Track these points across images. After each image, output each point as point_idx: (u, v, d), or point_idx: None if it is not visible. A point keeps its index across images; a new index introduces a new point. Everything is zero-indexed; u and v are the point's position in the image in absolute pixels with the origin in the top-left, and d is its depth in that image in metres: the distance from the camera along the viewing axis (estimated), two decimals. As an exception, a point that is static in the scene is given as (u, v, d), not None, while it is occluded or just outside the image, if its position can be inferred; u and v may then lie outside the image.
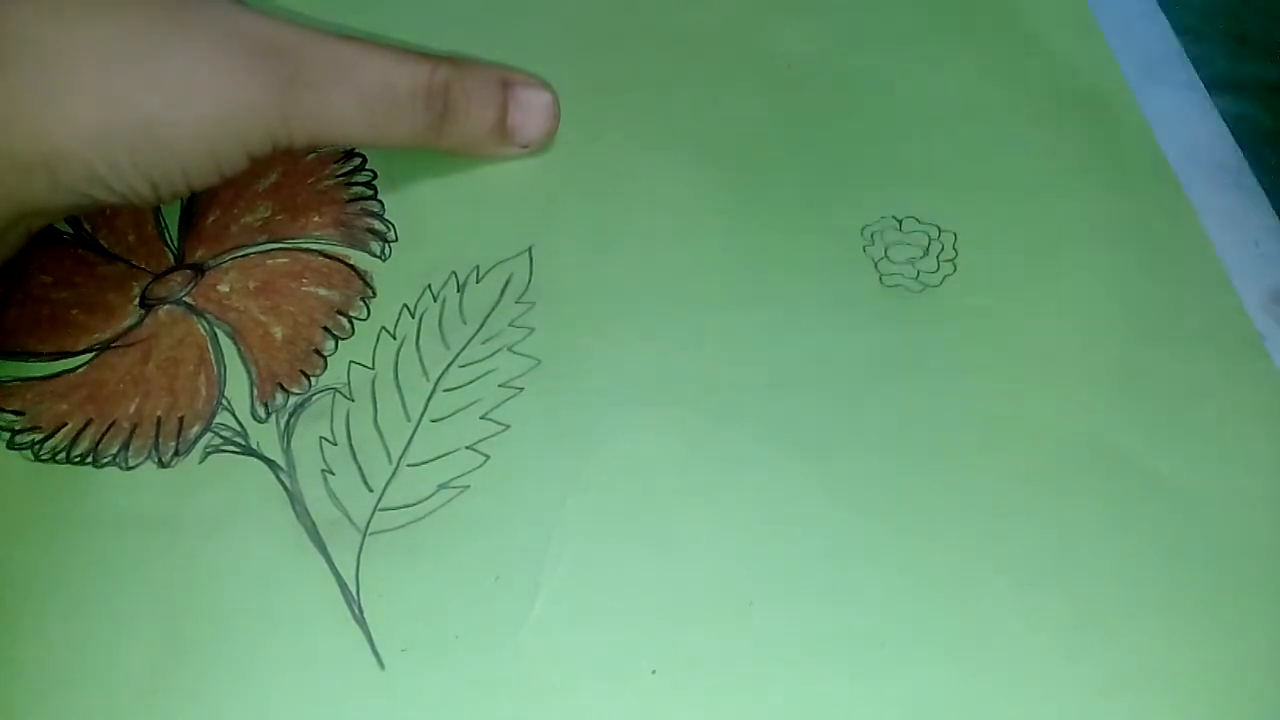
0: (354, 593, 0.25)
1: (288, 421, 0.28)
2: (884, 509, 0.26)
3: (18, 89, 0.23)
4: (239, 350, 0.29)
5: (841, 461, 0.27)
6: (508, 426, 0.28)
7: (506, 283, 0.30)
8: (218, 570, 0.25)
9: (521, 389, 0.28)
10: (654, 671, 0.24)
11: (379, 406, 0.28)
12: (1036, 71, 0.34)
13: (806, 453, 0.27)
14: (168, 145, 0.24)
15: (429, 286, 0.30)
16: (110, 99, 0.24)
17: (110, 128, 0.24)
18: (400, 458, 0.27)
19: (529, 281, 0.30)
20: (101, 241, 0.31)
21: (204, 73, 0.24)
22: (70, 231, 0.31)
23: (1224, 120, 0.34)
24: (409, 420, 0.28)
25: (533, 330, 0.29)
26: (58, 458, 0.27)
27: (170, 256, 0.30)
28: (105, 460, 0.27)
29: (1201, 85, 0.35)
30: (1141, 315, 0.29)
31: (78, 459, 0.27)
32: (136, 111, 0.24)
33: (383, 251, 0.31)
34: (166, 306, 0.30)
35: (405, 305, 0.29)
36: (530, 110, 0.31)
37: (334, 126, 0.27)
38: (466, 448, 0.27)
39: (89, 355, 0.29)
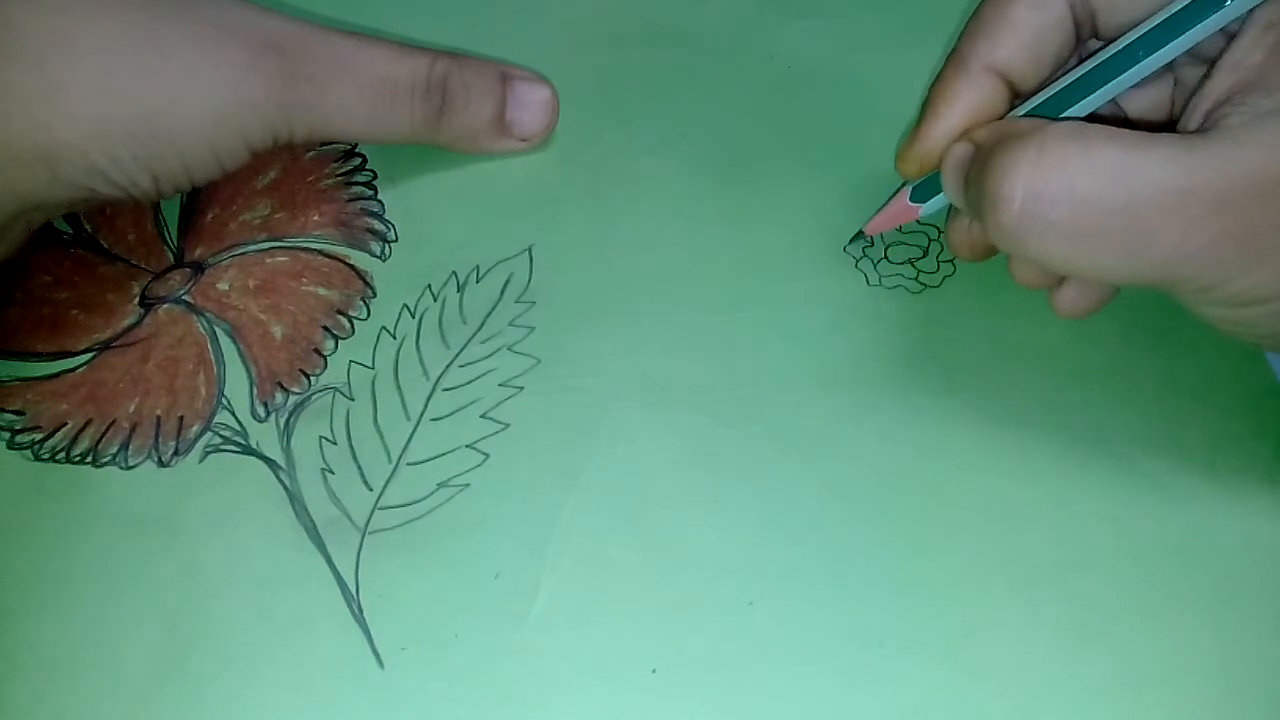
0: (354, 592, 0.25)
1: (287, 421, 0.28)
2: (883, 509, 0.26)
3: (17, 83, 0.23)
4: (238, 349, 0.29)
5: (841, 461, 0.27)
6: (507, 425, 0.28)
7: (506, 283, 0.30)
8: (218, 570, 0.25)
9: (521, 388, 0.28)
10: (654, 671, 0.24)
11: (379, 406, 0.28)
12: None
13: (806, 453, 0.27)
14: (168, 138, 0.24)
15: (429, 286, 0.30)
16: (110, 92, 0.24)
17: (110, 121, 0.24)
18: (400, 456, 0.27)
19: (529, 281, 0.30)
20: (101, 241, 0.31)
21: (204, 67, 0.24)
22: (70, 231, 0.31)
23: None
24: (409, 419, 0.28)
25: (533, 330, 0.29)
26: (58, 457, 0.27)
27: (170, 255, 0.30)
28: (105, 460, 0.27)
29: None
30: (1140, 316, 0.29)
31: (78, 459, 0.27)
32: (136, 105, 0.24)
33: (383, 251, 0.31)
34: (166, 305, 0.29)
35: (405, 305, 0.30)
36: (529, 104, 0.31)
37: (334, 120, 0.27)
38: (466, 446, 0.27)
39: (89, 355, 0.29)
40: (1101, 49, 0.25)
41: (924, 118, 0.26)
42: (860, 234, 0.30)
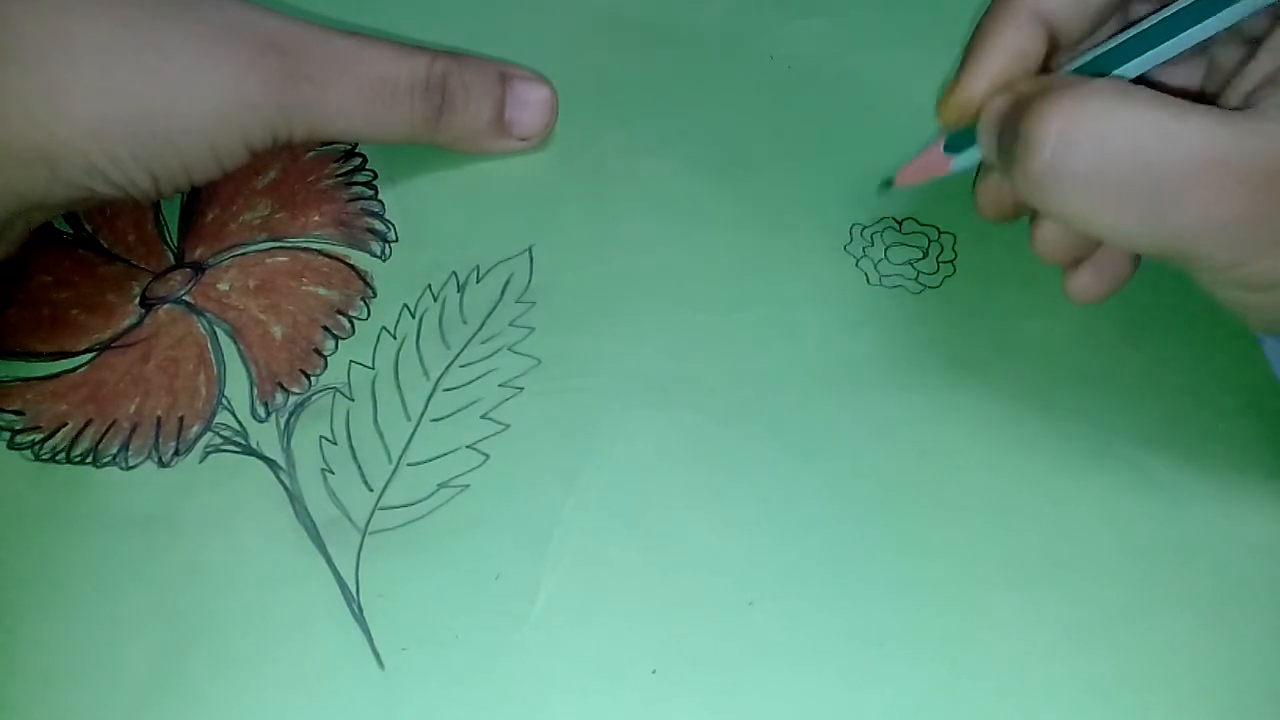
0: (354, 592, 0.25)
1: (288, 421, 0.28)
2: (883, 509, 0.26)
3: (17, 82, 0.23)
4: (239, 349, 0.29)
5: (841, 461, 0.27)
6: (507, 426, 0.28)
7: (506, 283, 0.30)
8: (218, 570, 0.25)
9: (521, 389, 0.28)
10: (654, 671, 0.24)
11: (379, 406, 0.28)
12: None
13: (806, 453, 0.27)
14: (167, 138, 0.24)
15: (429, 286, 0.30)
16: (109, 92, 0.24)
17: (109, 121, 0.24)
18: (400, 457, 0.27)
19: (529, 281, 0.30)
20: (101, 241, 0.31)
21: (204, 67, 0.24)
22: (70, 231, 0.31)
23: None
24: (409, 420, 0.28)
25: (533, 330, 0.29)
26: (58, 458, 0.27)
27: (170, 255, 0.30)
28: (105, 460, 0.27)
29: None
30: (1140, 316, 0.29)
31: (78, 459, 0.27)
32: (136, 104, 0.24)
33: (383, 251, 0.31)
34: (166, 306, 0.29)
35: (405, 305, 0.30)
36: (528, 104, 0.31)
37: (333, 120, 0.27)
38: (466, 447, 0.27)
39: (89, 355, 0.29)
40: (1147, 15, 0.25)
41: (966, 62, 0.26)
42: (889, 182, 0.29)
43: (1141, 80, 0.25)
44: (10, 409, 0.28)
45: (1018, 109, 0.23)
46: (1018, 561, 0.26)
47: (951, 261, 0.30)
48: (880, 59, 0.34)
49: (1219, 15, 0.23)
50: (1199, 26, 0.23)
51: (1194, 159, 0.21)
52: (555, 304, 0.29)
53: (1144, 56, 0.24)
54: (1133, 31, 0.25)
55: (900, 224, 0.31)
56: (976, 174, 0.29)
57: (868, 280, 0.30)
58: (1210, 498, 0.27)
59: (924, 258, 0.31)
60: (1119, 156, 0.21)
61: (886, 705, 0.24)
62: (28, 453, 0.27)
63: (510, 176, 0.32)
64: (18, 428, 0.28)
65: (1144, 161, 0.21)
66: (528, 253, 0.30)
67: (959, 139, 0.27)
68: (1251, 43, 0.23)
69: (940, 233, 0.31)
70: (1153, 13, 0.25)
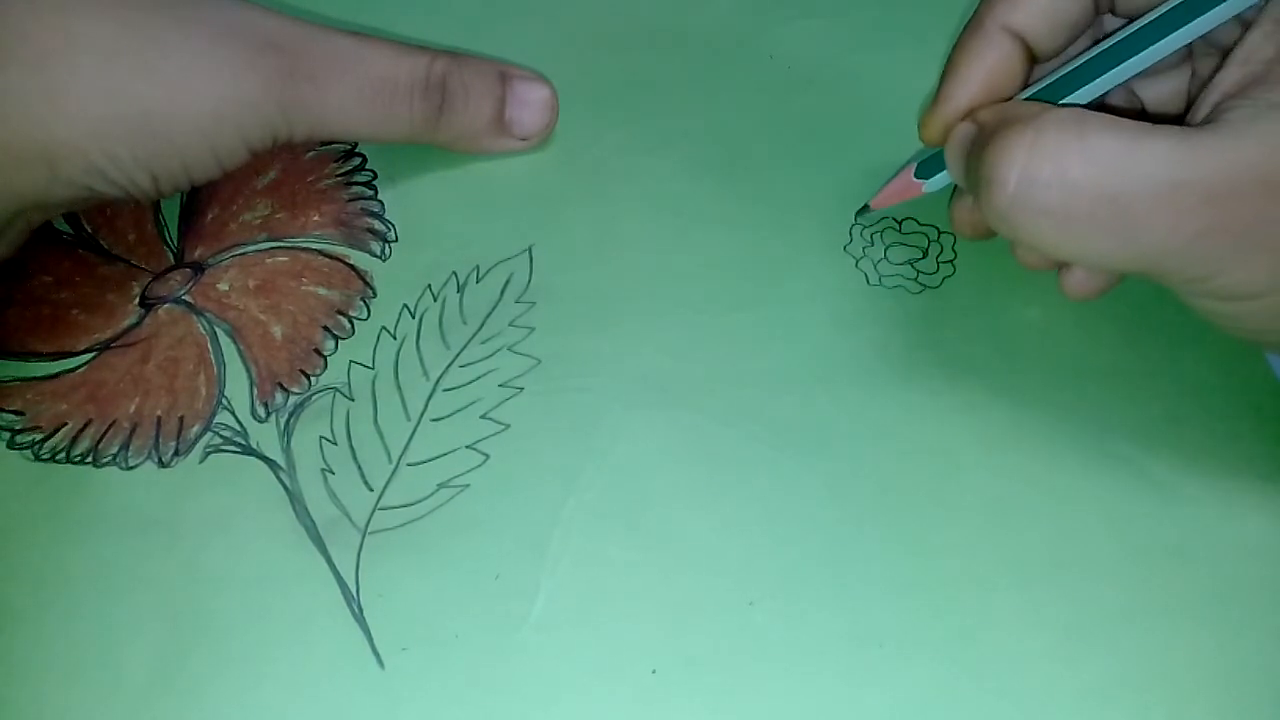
0: (354, 592, 0.25)
1: (288, 421, 0.28)
2: (883, 509, 0.26)
3: (16, 82, 0.23)
4: (239, 349, 0.29)
5: (841, 461, 0.27)
6: (507, 426, 0.28)
7: (506, 283, 0.30)
8: (218, 570, 0.25)
9: (521, 389, 0.28)
10: (654, 671, 0.24)
11: (379, 406, 0.28)
12: (1036, 72, 0.34)
13: (806, 453, 0.27)
14: (166, 138, 0.24)
15: (429, 286, 0.30)
16: (109, 91, 0.24)
17: (109, 120, 0.24)
18: (400, 457, 0.27)
19: (529, 281, 0.30)
20: (101, 241, 0.31)
21: (203, 66, 0.25)
22: (70, 231, 0.31)
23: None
24: (409, 420, 0.28)
25: (533, 330, 0.29)
26: (58, 458, 0.27)
27: (170, 255, 0.30)
28: (105, 460, 0.27)
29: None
30: (1140, 315, 0.29)
31: (78, 459, 0.27)
32: (135, 104, 0.24)
33: (383, 251, 0.31)
34: (166, 305, 0.29)
35: (405, 305, 0.30)
36: (528, 103, 0.31)
37: (333, 119, 0.27)
38: (466, 447, 0.27)
39: (89, 355, 0.29)
40: (1118, 29, 0.25)
41: (944, 81, 0.26)
42: (866, 207, 0.30)
43: (1108, 104, 0.25)
44: (10, 409, 0.28)
45: (980, 141, 0.23)
46: (1018, 561, 0.26)
47: (951, 261, 0.30)
48: (880, 59, 0.34)
49: (1176, 33, 0.24)
50: (1161, 43, 0.24)
51: (1155, 183, 0.21)
52: (555, 304, 0.29)
53: (1107, 75, 0.24)
54: (1096, 50, 0.25)
55: (900, 224, 0.31)
56: (952, 193, 0.29)
57: (868, 280, 0.30)
58: (1209, 498, 0.27)
59: (924, 258, 0.31)
60: (1081, 188, 0.21)
61: (886, 705, 0.24)
62: (28, 453, 0.27)
63: (510, 176, 0.32)
64: (18, 428, 0.28)
65: (1106, 191, 0.21)
66: (528, 253, 0.30)
67: (929, 165, 0.28)
68: (1225, 53, 0.23)
69: (940, 233, 0.31)
70: (1122, 27, 0.25)
